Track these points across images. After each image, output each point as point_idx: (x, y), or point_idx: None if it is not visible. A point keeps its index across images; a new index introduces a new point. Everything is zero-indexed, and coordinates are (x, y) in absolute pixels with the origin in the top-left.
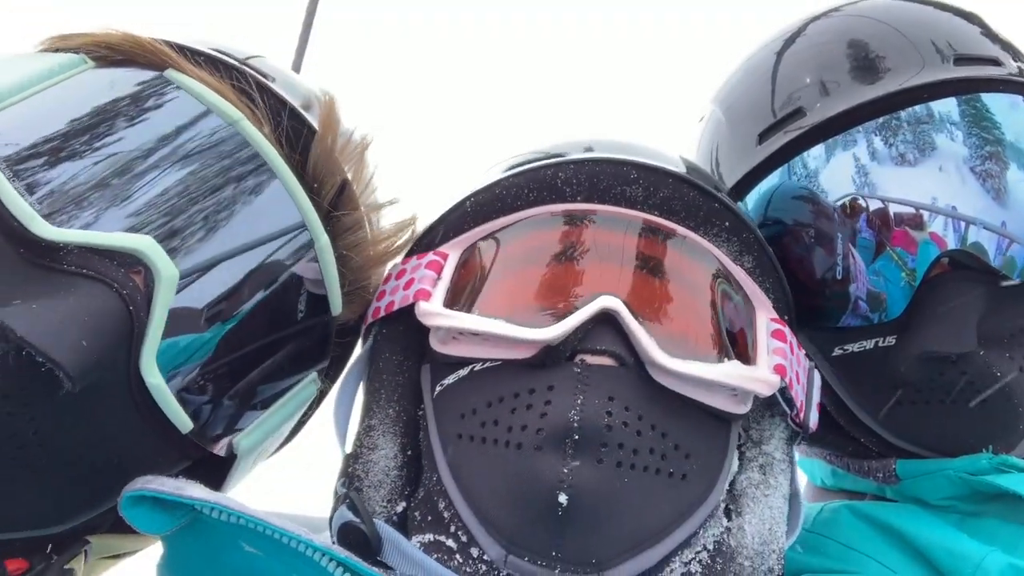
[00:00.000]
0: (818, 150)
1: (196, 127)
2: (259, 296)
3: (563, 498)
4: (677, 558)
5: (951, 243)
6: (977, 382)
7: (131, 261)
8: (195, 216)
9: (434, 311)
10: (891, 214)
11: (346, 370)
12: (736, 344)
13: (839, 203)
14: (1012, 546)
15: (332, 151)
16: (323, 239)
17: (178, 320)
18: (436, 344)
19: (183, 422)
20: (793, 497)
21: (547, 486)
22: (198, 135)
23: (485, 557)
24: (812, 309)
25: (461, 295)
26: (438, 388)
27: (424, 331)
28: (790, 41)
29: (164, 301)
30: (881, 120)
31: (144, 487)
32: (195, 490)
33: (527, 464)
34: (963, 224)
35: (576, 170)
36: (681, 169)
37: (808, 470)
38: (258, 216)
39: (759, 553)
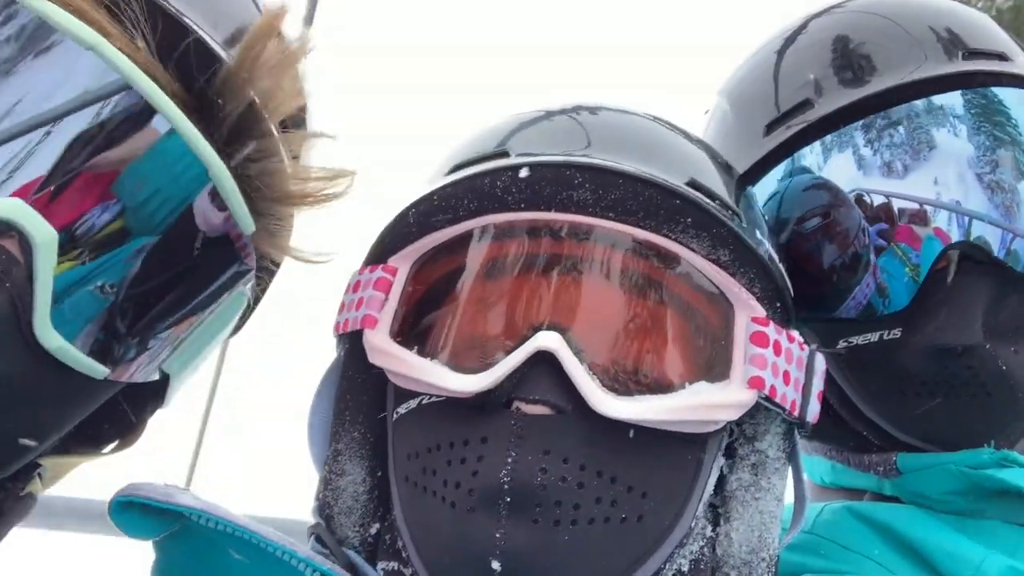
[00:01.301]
0: (825, 142)
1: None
2: (150, 226)
3: (496, 564)
4: None
5: (955, 237)
6: (982, 375)
7: (1, 228)
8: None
9: (376, 346)
10: (895, 210)
11: (317, 388)
12: (706, 361)
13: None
14: (1012, 548)
15: (241, 68)
16: (214, 163)
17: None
18: (389, 375)
19: (97, 371)
20: (799, 496)
21: (479, 551)
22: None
23: None
24: (819, 300)
25: (405, 324)
26: (396, 415)
27: None
28: (793, 37)
29: (45, 267)
30: (886, 113)
31: (133, 493)
32: (184, 497)
33: (460, 527)
34: (967, 219)
35: (514, 177)
36: (636, 167)
37: (807, 468)
38: (121, 143)
39: (746, 563)
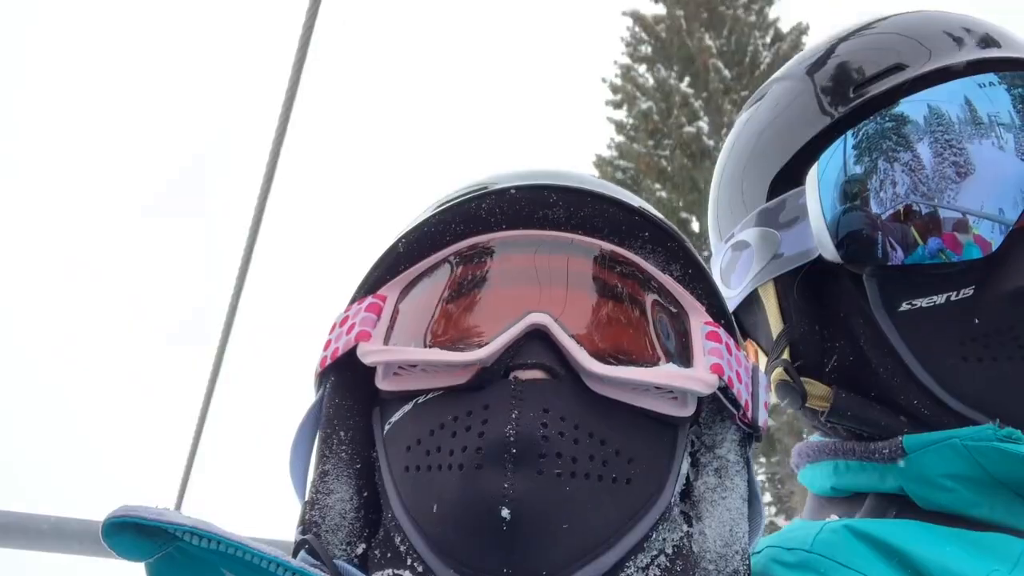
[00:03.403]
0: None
1: None
2: None
3: (505, 512)
4: (632, 563)
5: None
6: None
7: None
8: None
9: (373, 348)
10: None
11: (300, 422)
12: (672, 349)
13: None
14: (1015, 563)
15: None
16: None
17: None
18: (381, 383)
19: None
20: (753, 498)
21: (489, 502)
22: None
23: None
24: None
25: (400, 332)
26: (387, 426)
27: (372, 375)
28: (854, 33)
29: None
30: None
31: (125, 514)
32: (176, 516)
33: (469, 484)
34: None
35: (498, 199)
36: (602, 190)
37: (809, 479)
38: None
39: (722, 556)
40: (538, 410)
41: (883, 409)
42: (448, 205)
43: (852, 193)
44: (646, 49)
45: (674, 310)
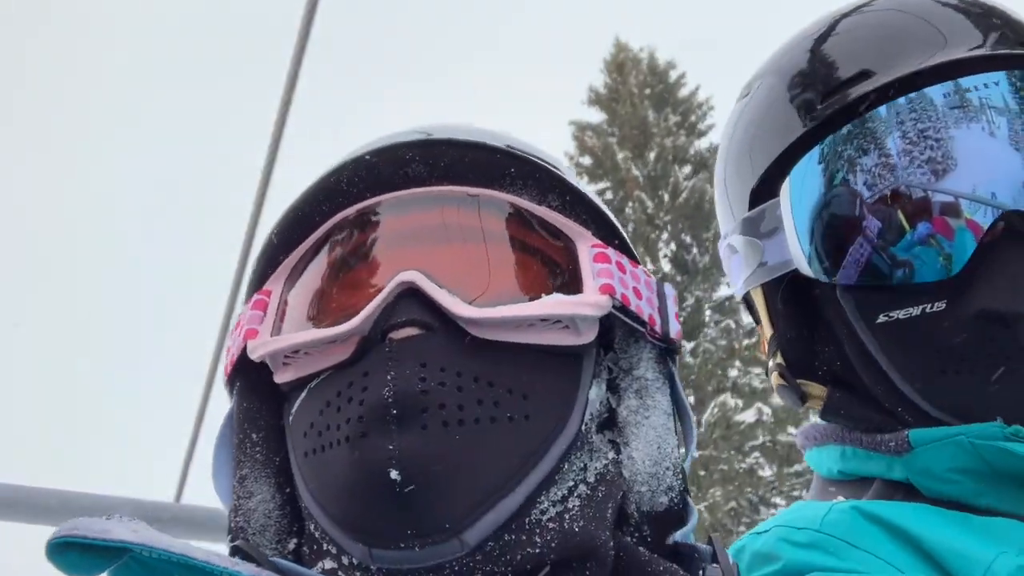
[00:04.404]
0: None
1: None
2: None
3: (395, 474)
4: (543, 497)
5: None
6: None
7: None
8: None
9: (258, 345)
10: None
11: (217, 436)
12: (558, 280)
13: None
14: (1022, 547)
15: None
16: None
17: None
18: (277, 376)
19: None
20: (681, 412)
21: (377, 467)
22: None
23: (355, 561)
24: (864, 268)
25: (287, 323)
26: (290, 418)
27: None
28: (842, 18)
29: None
30: (944, 85)
31: (68, 534)
32: (122, 531)
33: (356, 453)
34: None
35: (355, 168)
36: (459, 135)
37: (815, 461)
38: None
39: (653, 475)
40: (414, 366)
41: (876, 408)
42: (309, 186)
43: (818, 210)
44: (586, 161)
45: (557, 241)
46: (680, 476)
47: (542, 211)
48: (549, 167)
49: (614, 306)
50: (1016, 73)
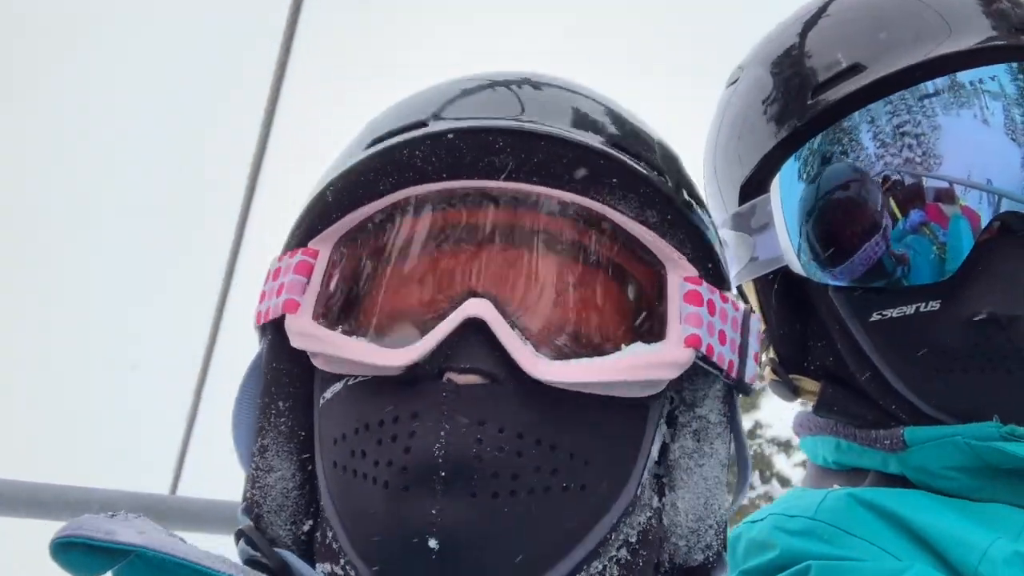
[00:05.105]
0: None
1: None
2: None
3: (433, 543)
4: (584, 571)
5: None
6: None
7: None
8: None
9: (298, 329)
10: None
11: (240, 385)
12: (643, 320)
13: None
14: (1017, 533)
15: None
16: None
17: None
18: (313, 359)
19: None
20: (739, 459)
21: (415, 531)
22: None
23: None
24: (857, 269)
25: (330, 304)
26: (322, 400)
27: None
28: (832, 1)
29: None
30: (939, 80)
31: (73, 533)
32: (127, 532)
33: (394, 507)
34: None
35: (434, 146)
36: (559, 130)
37: (810, 449)
38: None
39: (694, 531)
40: (472, 423)
41: (870, 405)
42: (377, 150)
43: (809, 208)
44: None
45: (649, 271)
46: (721, 535)
47: (639, 230)
48: (655, 182)
49: (697, 356)
50: (1014, 66)
